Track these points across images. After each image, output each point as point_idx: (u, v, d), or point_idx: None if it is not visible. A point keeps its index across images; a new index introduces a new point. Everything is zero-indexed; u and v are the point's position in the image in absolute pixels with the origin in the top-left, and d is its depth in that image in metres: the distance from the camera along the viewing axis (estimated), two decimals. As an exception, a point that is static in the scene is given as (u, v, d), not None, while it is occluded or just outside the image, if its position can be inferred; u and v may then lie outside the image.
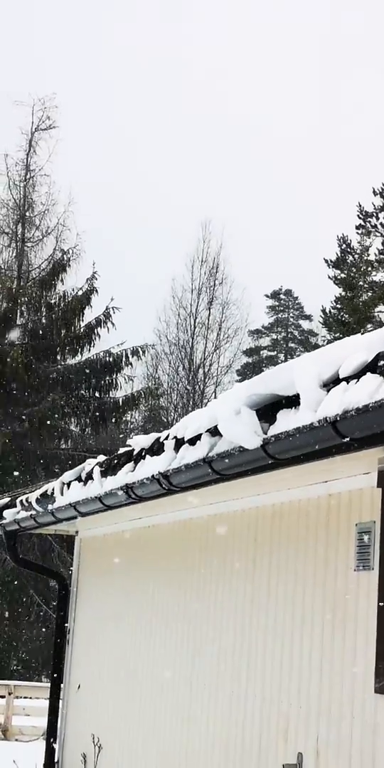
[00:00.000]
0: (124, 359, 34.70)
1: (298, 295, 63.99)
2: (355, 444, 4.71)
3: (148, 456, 7.47)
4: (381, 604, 5.53)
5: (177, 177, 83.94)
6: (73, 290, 34.54)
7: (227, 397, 5.94)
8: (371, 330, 5.76)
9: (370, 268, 44.52)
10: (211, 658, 7.85)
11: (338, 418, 4.58)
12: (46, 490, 10.28)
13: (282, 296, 64.47)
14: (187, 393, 46.26)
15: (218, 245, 47.66)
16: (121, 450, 8.69)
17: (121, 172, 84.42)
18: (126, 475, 7.83)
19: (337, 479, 6.11)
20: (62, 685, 12.04)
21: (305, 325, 63.42)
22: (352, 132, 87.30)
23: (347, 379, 4.65)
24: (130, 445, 8.36)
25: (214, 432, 6.03)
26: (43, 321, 34.33)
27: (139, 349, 35.27)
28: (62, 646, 12.06)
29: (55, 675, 12.26)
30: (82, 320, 34.49)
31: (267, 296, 63.57)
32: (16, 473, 30.85)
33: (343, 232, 45.12)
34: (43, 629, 31.42)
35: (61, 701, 12.01)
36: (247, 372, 52.27)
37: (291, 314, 64.49)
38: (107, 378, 34.69)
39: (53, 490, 9.99)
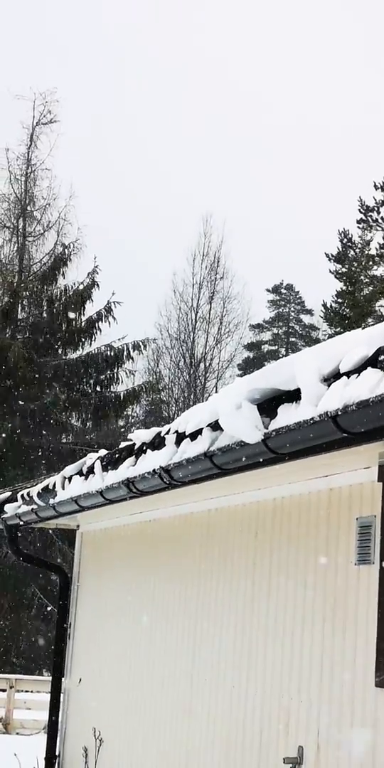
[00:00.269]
0: (125, 353, 34.71)
1: (299, 290, 64.04)
2: (356, 438, 4.72)
3: (149, 450, 7.48)
4: (381, 598, 5.55)
5: (178, 172, 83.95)
6: (74, 284, 34.56)
7: (228, 392, 5.95)
8: (372, 325, 5.77)
9: (371, 263, 44.53)
10: (212, 652, 7.86)
11: (339, 413, 4.58)
12: (48, 485, 10.28)
13: (283, 291, 64.45)
14: (188, 387, 46.28)
15: (219, 240, 47.69)
16: (122, 444, 8.70)
17: (122, 167, 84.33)
18: (127, 469, 7.83)
19: (337, 474, 6.12)
20: (63, 679, 12.06)
21: (306, 319, 63.45)
22: (352, 126, 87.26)
23: (348, 374, 4.66)
24: (131, 440, 8.37)
25: (215, 426, 6.04)
26: (45, 315, 34.34)
27: (140, 343, 35.27)
28: (63, 640, 12.08)
29: (56, 669, 12.28)
30: (83, 314, 34.51)
31: (268, 291, 63.58)
32: (17, 467, 30.88)
33: (344, 227, 45.15)
34: (44, 623, 31.45)
35: (62, 695, 12.03)
36: (248, 366, 52.26)
37: (292, 309, 64.48)
38: (108, 372, 34.71)
39: (54, 484, 9.99)
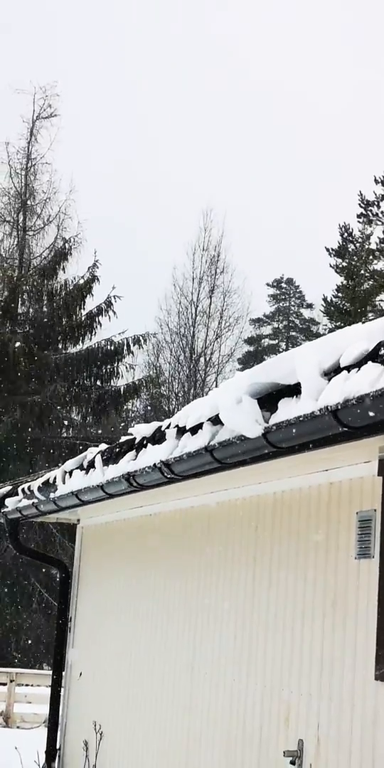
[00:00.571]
0: (125, 348, 34.71)
1: (300, 284, 64.07)
2: (356, 433, 4.73)
3: (149, 444, 7.49)
4: (381, 591, 5.56)
5: (178, 166, 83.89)
6: (74, 279, 34.58)
7: (228, 386, 5.96)
8: (372, 319, 5.78)
9: (371, 257, 44.55)
10: (213, 647, 7.87)
11: (339, 407, 4.59)
12: (48, 479, 10.30)
13: (283, 285, 64.46)
14: (188, 382, 46.28)
15: (219, 234, 47.63)
16: (123, 438, 8.70)
17: (122, 161, 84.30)
18: (128, 463, 7.84)
19: (337, 468, 6.13)
20: (64, 673, 12.08)
21: (306, 313, 63.46)
22: (353, 121, 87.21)
23: (348, 368, 4.67)
24: (131, 434, 8.38)
25: (216, 421, 6.05)
26: (45, 309, 34.34)
27: (141, 337, 35.27)
28: (64, 634, 12.10)
29: (56, 662, 12.29)
30: (84, 309, 34.53)
31: (268, 285, 63.61)
32: (17, 462, 30.90)
33: (345, 221, 45.15)
34: (45, 617, 31.48)
35: (62, 689, 12.05)
36: (248, 361, 52.25)
37: (292, 303, 64.49)
38: (108, 366, 34.72)
39: (55, 478, 10.01)
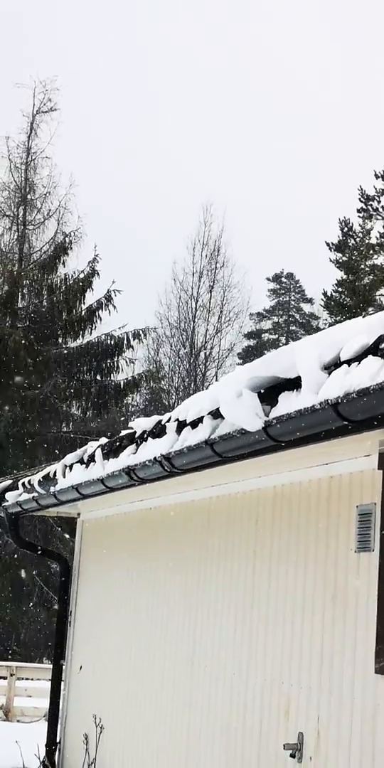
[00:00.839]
0: (125, 342, 34.71)
1: (300, 279, 64.04)
2: (357, 426, 4.73)
3: (149, 438, 7.49)
4: (381, 585, 5.57)
5: (179, 160, 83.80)
6: (74, 273, 34.55)
7: (229, 380, 5.96)
8: (372, 313, 5.78)
9: (371, 252, 44.50)
10: (213, 640, 7.89)
11: (339, 401, 4.60)
12: (48, 473, 10.30)
13: (283, 279, 64.44)
14: (188, 376, 46.27)
15: (219, 228, 47.62)
16: (123, 432, 8.71)
17: (123, 155, 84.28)
18: (128, 457, 7.85)
19: (338, 461, 6.14)
20: (64, 667, 12.10)
21: (306, 308, 63.43)
22: (353, 115, 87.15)
23: (348, 362, 4.67)
24: (131, 428, 8.38)
25: (216, 414, 6.05)
26: (45, 304, 34.33)
27: (141, 332, 35.26)
28: (64, 628, 12.11)
29: (56, 656, 12.31)
30: (84, 303, 34.51)
31: (268, 279, 63.58)
32: (17, 456, 30.90)
33: (345, 216, 45.09)
34: (45, 611, 31.52)
35: (62, 682, 12.07)
36: (248, 355, 52.26)
37: (292, 297, 64.47)
38: (108, 361, 34.71)
39: (55, 472, 10.01)
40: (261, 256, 63.24)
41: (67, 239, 34.83)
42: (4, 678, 20.15)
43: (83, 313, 34.54)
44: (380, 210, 44.30)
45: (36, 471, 11.64)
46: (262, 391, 5.46)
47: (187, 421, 6.61)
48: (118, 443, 8.46)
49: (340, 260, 44.86)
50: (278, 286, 64.39)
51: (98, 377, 34.79)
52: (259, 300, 59.50)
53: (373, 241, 44.52)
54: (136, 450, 7.74)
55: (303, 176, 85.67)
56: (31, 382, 32.58)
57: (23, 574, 31.01)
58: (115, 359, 34.81)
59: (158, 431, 7.34)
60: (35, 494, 10.63)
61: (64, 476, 9.74)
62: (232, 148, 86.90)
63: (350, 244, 44.92)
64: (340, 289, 45.30)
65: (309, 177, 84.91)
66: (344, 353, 4.73)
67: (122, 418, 34.58)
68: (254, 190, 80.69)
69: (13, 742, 11.46)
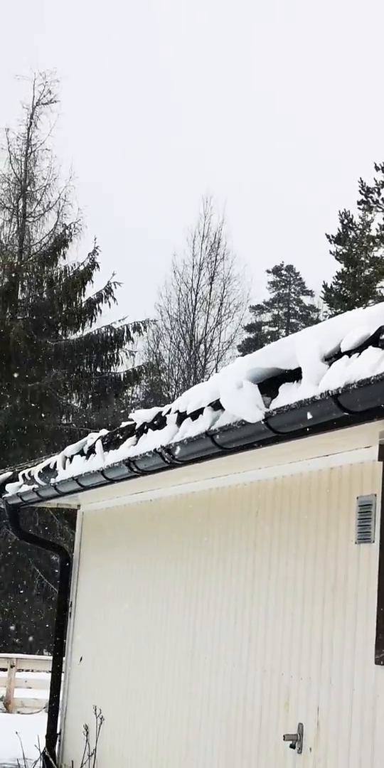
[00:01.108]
0: (125, 334, 34.71)
1: (300, 271, 64.01)
2: (357, 417, 4.73)
3: (150, 430, 7.49)
4: (381, 576, 5.57)
5: (178, 153, 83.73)
6: (74, 265, 34.55)
7: (229, 371, 5.96)
8: (373, 305, 5.78)
9: (371, 244, 44.49)
10: (213, 632, 7.89)
11: (340, 392, 4.59)
12: (49, 464, 10.31)
13: (283, 272, 64.40)
14: (188, 368, 46.26)
15: (220, 220, 47.58)
16: (124, 424, 8.71)
17: (122, 148, 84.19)
18: (128, 448, 7.85)
19: (338, 453, 6.14)
20: (64, 658, 12.11)
21: (306, 300, 63.42)
22: (354, 107, 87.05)
23: (349, 353, 4.66)
24: (132, 420, 8.38)
25: (216, 406, 6.05)
26: (45, 296, 34.32)
27: (141, 324, 35.26)
28: (64, 619, 12.12)
29: (57, 648, 12.33)
30: (84, 295, 34.52)
31: (268, 272, 63.54)
32: (17, 448, 30.90)
33: (345, 208, 45.08)
34: (45, 603, 31.54)
35: (63, 674, 12.09)
36: (248, 348, 52.19)
37: (292, 290, 64.44)
38: (108, 353, 34.72)
39: (55, 463, 10.02)
40: (261, 248, 63.28)
41: (67, 231, 34.82)
42: (5, 670, 20.17)
43: (83, 305, 34.54)
44: (380, 202, 44.29)
45: (36, 462, 11.64)
46: (262, 382, 5.46)
47: (188, 413, 6.61)
48: (118, 435, 8.47)
49: (341, 252, 44.86)
50: (278, 279, 64.36)
51: (98, 369, 34.80)
52: (259, 292, 59.57)
53: (374, 233, 44.53)
54: (137, 441, 7.74)
55: (303, 168, 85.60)
56: (31, 375, 32.58)
57: (23, 565, 31.03)
58: (115, 351, 34.82)
59: (159, 423, 7.34)
60: (36, 486, 10.63)
61: (64, 468, 9.74)
62: (232, 140, 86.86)
63: (350, 236, 44.92)
64: (340, 282, 45.32)
65: (309, 169, 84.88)
66: (345, 344, 4.73)
67: (122, 411, 34.59)
68: (254, 183, 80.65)
69: (13, 734, 11.47)
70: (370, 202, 44.49)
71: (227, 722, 7.41)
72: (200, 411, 6.33)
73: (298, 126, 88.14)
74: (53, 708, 12.00)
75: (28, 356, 32.21)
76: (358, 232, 44.91)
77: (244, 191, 73.32)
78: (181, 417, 6.75)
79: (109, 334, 34.58)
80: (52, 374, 32.62)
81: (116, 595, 10.45)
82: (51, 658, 13.38)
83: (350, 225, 44.97)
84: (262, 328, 61.71)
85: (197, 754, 7.88)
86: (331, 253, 45.08)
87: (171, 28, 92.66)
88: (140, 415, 8.01)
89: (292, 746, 6.31)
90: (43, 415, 32.56)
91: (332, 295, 45.73)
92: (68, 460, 9.76)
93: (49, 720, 11.96)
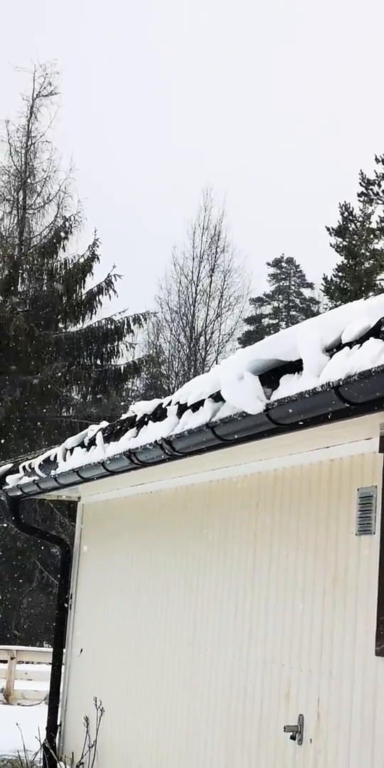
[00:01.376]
0: (125, 327, 34.69)
1: (300, 263, 63.95)
2: (358, 409, 4.73)
3: (150, 422, 7.49)
4: (382, 567, 5.58)
5: (179, 144, 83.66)
6: (74, 257, 34.52)
7: (230, 363, 5.96)
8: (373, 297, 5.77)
9: (372, 236, 44.42)
10: (213, 624, 7.90)
11: (341, 383, 4.59)
12: (49, 456, 10.31)
13: (284, 264, 64.35)
14: (189, 361, 46.25)
15: (220, 213, 47.55)
16: (124, 416, 8.71)
17: (122, 141, 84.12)
18: (129, 440, 7.85)
19: (338, 444, 6.14)
20: (64, 650, 12.12)
21: (307, 293, 63.35)
22: (354, 99, 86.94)
23: (350, 344, 4.66)
24: (132, 412, 8.38)
25: (217, 397, 6.05)
26: (45, 288, 34.31)
27: (141, 316, 35.24)
28: (64, 611, 12.13)
29: (57, 640, 12.33)
30: (84, 288, 34.49)
31: (269, 264, 63.48)
32: (17, 441, 30.90)
33: (345, 200, 45.00)
34: (45, 595, 31.58)
35: (63, 666, 12.10)
36: (248, 340, 52.14)
37: (293, 282, 64.39)
38: (109, 345, 34.70)
39: (56, 455, 10.02)
40: (261, 241, 63.24)
41: (67, 223, 34.80)
42: (5, 662, 20.21)
43: (83, 297, 34.52)
44: (381, 194, 44.22)
45: (37, 454, 11.64)
46: (263, 374, 5.46)
47: (188, 405, 6.61)
48: (118, 427, 8.47)
49: (341, 245, 44.79)
50: (278, 271, 64.31)
51: (98, 362, 34.78)
52: (259, 285, 59.56)
53: (374, 225, 44.45)
54: (137, 433, 7.74)
55: (304, 161, 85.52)
56: (31, 367, 32.57)
57: (24, 557, 31.05)
58: (115, 344, 34.80)
59: (159, 414, 7.34)
60: (36, 478, 10.63)
61: (64, 460, 9.74)
62: (232, 133, 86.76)
63: (351, 229, 44.84)
64: (340, 274, 45.24)
65: (310, 161, 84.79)
66: (345, 336, 4.72)
67: (122, 403, 34.59)
68: (255, 175, 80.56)
69: (13, 725, 11.47)
70: (371, 194, 44.40)
71: (227, 713, 7.42)
72: (201, 403, 6.33)
73: (299, 119, 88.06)
74: (53, 700, 12.01)
75: (29, 348, 32.19)
76: (358, 224, 44.84)
77: (244, 184, 73.32)
78: (182, 409, 6.75)
79: (109, 326, 34.56)
80: (53, 366, 32.61)
81: (116, 587, 10.46)
82: (51, 649, 13.38)
83: (351, 217, 44.89)
84: (263, 320, 61.67)
85: (197, 746, 7.89)
86: (331, 245, 45.02)
87: (171, 21, 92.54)
88: (141, 407, 8.01)
89: (293, 737, 6.32)
90: (43, 407, 32.56)
91: (332, 287, 45.66)
92: (69, 451, 9.76)
93: (49, 712, 11.97)
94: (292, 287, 64.26)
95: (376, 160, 44.10)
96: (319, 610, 6.24)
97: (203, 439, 6.33)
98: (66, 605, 12.08)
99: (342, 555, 6.03)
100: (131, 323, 34.76)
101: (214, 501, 8.11)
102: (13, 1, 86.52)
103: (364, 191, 44.46)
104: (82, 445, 9.45)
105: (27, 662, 21.18)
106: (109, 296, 34.51)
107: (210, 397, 6.17)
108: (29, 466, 10.99)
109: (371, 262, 43.95)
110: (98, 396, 34.75)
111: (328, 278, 45.79)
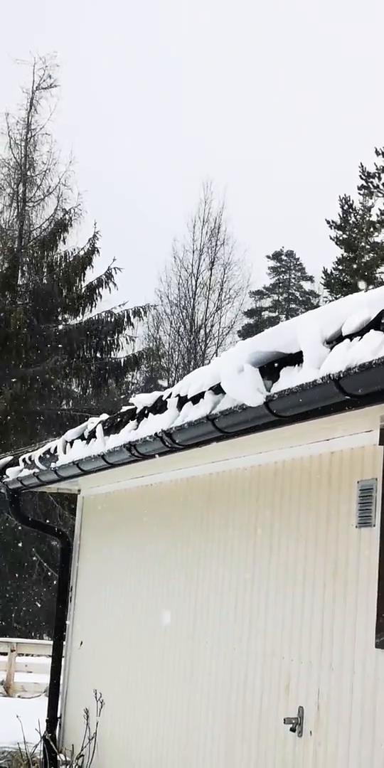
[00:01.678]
0: (125, 320, 34.68)
1: (300, 256, 63.93)
2: (358, 401, 4.73)
3: (150, 414, 7.48)
4: (382, 559, 5.58)
5: (179, 137, 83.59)
6: (74, 250, 34.50)
7: (230, 355, 5.95)
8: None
9: (372, 229, 44.41)
10: (213, 616, 7.90)
11: (341, 375, 4.58)
12: (49, 449, 10.31)
13: (284, 257, 64.32)
14: (189, 354, 46.26)
15: (220, 205, 47.56)
16: (124, 408, 8.71)
17: (123, 132, 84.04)
18: (129, 433, 7.84)
19: (339, 437, 6.14)
20: (64, 642, 12.13)
21: (307, 286, 63.33)
22: (354, 92, 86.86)
23: (350, 336, 4.65)
24: (132, 404, 8.38)
25: (217, 390, 6.04)
26: (45, 281, 34.29)
27: (141, 309, 35.24)
28: (64, 604, 12.14)
29: (57, 632, 12.34)
30: (84, 280, 34.48)
31: (269, 257, 63.45)
32: (17, 433, 30.90)
33: (345, 193, 44.99)
34: (45, 588, 31.60)
35: (63, 658, 12.11)
36: (248, 333, 52.12)
37: (292, 275, 64.38)
38: (108, 338, 34.69)
39: (56, 448, 10.02)
40: (261, 234, 63.17)
41: (67, 216, 34.78)
42: (5, 654, 20.23)
43: (83, 290, 34.51)
44: (381, 187, 44.21)
45: (37, 447, 11.64)
46: (263, 366, 5.45)
47: (188, 397, 6.60)
48: (119, 419, 8.46)
49: (341, 238, 44.78)
50: (278, 264, 64.28)
51: (98, 355, 34.78)
52: (259, 278, 59.48)
53: (374, 218, 44.43)
54: (137, 426, 7.74)
55: (304, 154, 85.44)
56: (31, 360, 32.57)
57: (23, 550, 31.07)
58: (115, 337, 34.79)
59: (159, 407, 7.33)
60: (36, 470, 10.63)
61: (64, 452, 9.74)
62: (232, 125, 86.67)
63: (351, 222, 44.83)
64: (340, 267, 45.24)
65: (310, 154, 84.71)
66: (346, 328, 4.71)
67: (122, 396, 34.60)
68: (255, 168, 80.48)
69: (13, 718, 11.46)
70: (371, 187, 44.39)
71: (228, 706, 7.43)
72: (201, 395, 6.33)
73: (299, 112, 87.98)
74: (53, 692, 12.02)
75: (28, 341, 32.19)
76: (358, 217, 44.82)
77: (244, 176, 73.24)
78: (182, 401, 6.74)
79: (109, 319, 34.55)
80: (52, 359, 32.60)
81: (116, 580, 10.46)
82: (51, 642, 13.39)
83: (351, 210, 44.88)
84: (262, 313, 61.67)
85: (197, 738, 7.90)
86: (331, 238, 45.01)
87: (172, 15, 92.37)
88: (141, 400, 8.00)
89: (293, 729, 6.32)
90: (42, 400, 32.56)
91: (332, 280, 45.67)
92: (69, 444, 9.75)
93: (49, 704, 11.99)
94: (292, 280, 64.26)
95: (377, 152, 44.08)
96: (319, 602, 6.24)
97: (203, 431, 6.33)
98: (66, 598, 12.08)
99: (342, 547, 6.03)
100: (131, 316, 34.76)
101: (214, 493, 8.11)
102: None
103: (365, 184, 44.46)
104: (82, 437, 9.45)
105: (27, 655, 21.21)
106: (109, 289, 34.54)
107: (210, 389, 6.17)
108: (29, 458, 10.99)
109: (371, 255, 43.94)
110: (98, 389, 34.74)
111: (328, 271, 45.80)
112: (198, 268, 47.07)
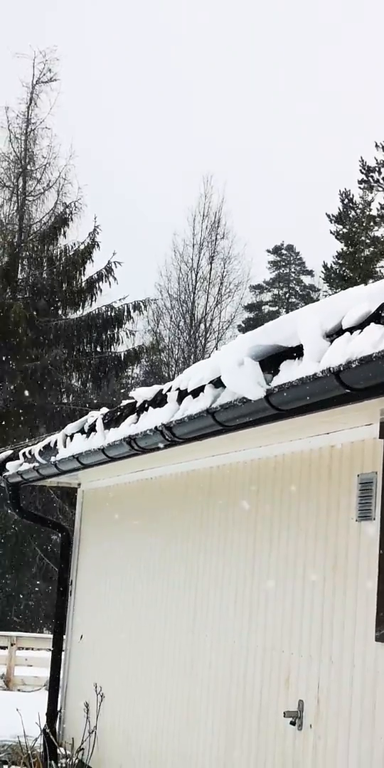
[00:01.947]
0: (125, 314, 34.68)
1: (300, 251, 63.89)
2: (359, 394, 4.72)
3: (151, 408, 7.47)
4: (381, 553, 5.58)
5: (179, 131, 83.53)
6: (74, 244, 34.48)
7: (230, 349, 5.95)
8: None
9: (372, 223, 44.40)
10: (213, 610, 7.91)
11: (341, 369, 4.58)
12: (49, 443, 10.30)
13: (284, 251, 64.28)
14: (189, 348, 46.24)
15: (220, 200, 47.51)
16: (124, 402, 8.70)
17: (122, 128, 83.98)
18: (129, 426, 7.84)
19: (339, 431, 6.13)
20: (64, 636, 12.14)
21: (307, 280, 63.31)
22: (354, 86, 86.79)
23: (351, 330, 4.64)
24: (132, 398, 8.37)
25: (217, 383, 6.04)
26: (45, 275, 34.28)
27: (141, 303, 35.22)
28: (64, 598, 12.15)
29: (57, 626, 12.35)
30: (84, 275, 34.47)
31: (269, 251, 63.41)
32: (17, 427, 30.91)
33: (345, 187, 44.98)
34: (45, 582, 31.62)
35: (63, 652, 12.12)
36: (248, 327, 52.11)
37: (293, 269, 64.35)
38: (109, 332, 34.69)
39: (56, 442, 10.01)
40: (261, 228, 63.10)
41: (67, 210, 34.75)
42: (5, 648, 20.24)
43: (83, 284, 34.50)
44: (381, 181, 44.19)
45: (37, 441, 11.64)
46: (263, 359, 5.44)
47: (189, 390, 6.60)
48: (119, 413, 8.46)
49: (341, 232, 44.77)
50: (278, 258, 64.26)
51: (98, 349, 34.78)
52: (259, 272, 59.47)
53: (374, 212, 44.43)
54: (138, 419, 7.73)
55: (304, 148, 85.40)
56: (31, 354, 32.57)
57: (23, 544, 31.09)
58: (115, 331, 34.79)
59: (159, 401, 7.33)
60: (36, 464, 10.63)
61: (65, 446, 9.74)
62: (233, 119, 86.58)
63: (351, 216, 44.82)
64: (340, 261, 45.23)
65: (310, 148, 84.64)
66: (346, 321, 4.71)
67: (122, 390, 34.61)
68: (255, 162, 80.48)
69: (14, 711, 11.47)
70: (371, 181, 44.38)
71: (227, 699, 7.43)
72: (201, 388, 6.32)
73: (299, 106, 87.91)
74: (54, 686, 12.03)
75: (29, 335, 32.18)
76: (358, 211, 44.81)
77: (244, 171, 73.19)
78: (182, 395, 6.74)
79: (109, 313, 34.54)
80: (53, 353, 32.60)
81: (116, 573, 10.47)
82: (51, 636, 13.40)
83: (351, 204, 44.87)
84: (262, 307, 61.64)
85: (197, 731, 7.91)
86: (331, 232, 45.00)
87: (173, 13, 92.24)
88: (141, 393, 7.99)
89: (293, 723, 6.33)
90: (43, 394, 32.56)
91: (332, 275, 45.67)
92: (69, 438, 9.75)
93: (49, 698, 12.00)
94: (292, 274, 64.23)
95: (377, 146, 44.05)
96: (319, 595, 6.25)
97: (203, 425, 6.32)
98: (66, 591, 12.09)
99: (342, 541, 6.04)
100: (131, 310, 34.75)
101: (214, 487, 8.11)
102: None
103: (365, 178, 44.45)
104: (82, 431, 9.44)
105: (27, 648, 21.21)
106: (109, 283, 34.53)
107: (210, 383, 6.16)
108: (29, 452, 10.99)
109: (371, 249, 43.94)
110: (98, 383, 34.74)
111: (328, 265, 45.79)
112: (198, 263, 47.08)
